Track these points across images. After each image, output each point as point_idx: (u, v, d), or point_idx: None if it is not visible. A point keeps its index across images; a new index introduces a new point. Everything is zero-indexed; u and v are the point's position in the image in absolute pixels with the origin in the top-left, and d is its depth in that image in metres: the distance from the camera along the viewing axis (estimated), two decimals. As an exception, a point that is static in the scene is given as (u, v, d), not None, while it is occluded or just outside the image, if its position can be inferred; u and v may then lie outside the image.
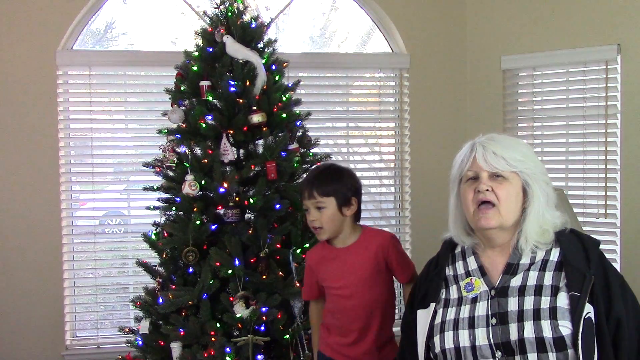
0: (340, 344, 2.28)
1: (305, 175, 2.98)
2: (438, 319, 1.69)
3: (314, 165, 3.05)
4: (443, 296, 1.72)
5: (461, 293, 1.70)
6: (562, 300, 1.57)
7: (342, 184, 2.25)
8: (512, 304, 1.60)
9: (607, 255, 3.61)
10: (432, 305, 1.71)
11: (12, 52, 3.62)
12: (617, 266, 3.51)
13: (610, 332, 1.57)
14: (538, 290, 1.60)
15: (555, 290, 1.59)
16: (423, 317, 1.73)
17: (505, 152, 1.66)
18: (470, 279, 1.70)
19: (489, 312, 1.61)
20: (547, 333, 1.53)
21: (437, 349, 1.66)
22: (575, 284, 1.57)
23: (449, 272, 1.76)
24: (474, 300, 1.66)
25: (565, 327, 1.53)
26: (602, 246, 3.69)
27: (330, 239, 2.30)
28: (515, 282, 1.63)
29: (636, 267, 3.43)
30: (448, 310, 1.69)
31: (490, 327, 1.59)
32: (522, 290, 1.61)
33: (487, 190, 1.64)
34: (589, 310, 1.55)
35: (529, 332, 1.54)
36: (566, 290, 1.58)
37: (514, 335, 1.56)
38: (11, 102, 3.63)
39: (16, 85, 3.63)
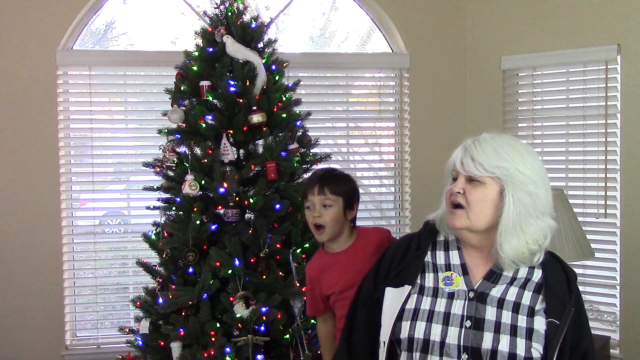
0: None
1: (307, 176, 2.99)
2: (411, 304, 1.66)
3: (314, 166, 3.06)
4: (418, 281, 1.69)
5: (438, 284, 1.67)
6: (539, 324, 1.57)
7: (350, 186, 2.30)
8: (490, 313, 1.59)
9: (607, 255, 3.64)
10: (408, 287, 1.68)
11: (12, 52, 3.63)
12: (617, 266, 3.53)
13: None
14: (516, 307, 1.59)
15: (531, 312, 1.58)
16: (394, 297, 1.69)
17: (485, 157, 1.61)
18: (451, 274, 1.68)
19: (465, 314, 1.60)
20: (520, 351, 1.53)
21: (404, 335, 1.63)
22: (556, 312, 1.57)
23: (428, 258, 1.73)
24: (451, 296, 1.64)
25: (536, 351, 1.54)
26: (601, 246, 3.71)
27: (327, 245, 2.31)
28: (496, 292, 1.62)
29: (636, 267, 3.43)
30: (423, 299, 1.66)
31: (463, 329, 1.58)
32: (501, 303, 1.60)
33: (459, 192, 1.63)
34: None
35: (504, 345, 1.54)
36: (543, 315, 1.58)
37: (487, 344, 1.55)
38: (11, 102, 3.63)
39: (16, 85, 3.63)
